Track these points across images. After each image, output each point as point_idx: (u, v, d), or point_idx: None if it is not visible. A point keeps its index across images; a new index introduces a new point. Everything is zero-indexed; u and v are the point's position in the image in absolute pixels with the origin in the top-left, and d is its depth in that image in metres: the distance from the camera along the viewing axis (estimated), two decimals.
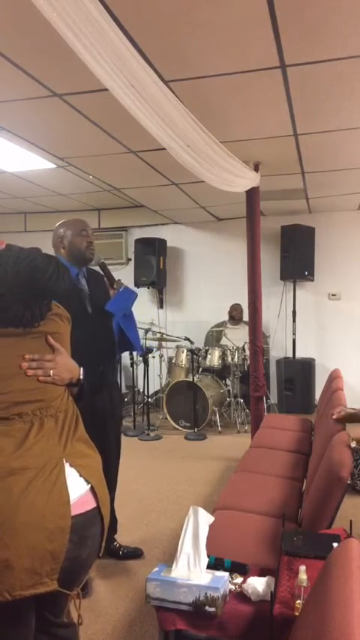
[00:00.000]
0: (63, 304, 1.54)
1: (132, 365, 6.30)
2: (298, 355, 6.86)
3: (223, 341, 6.60)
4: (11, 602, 1.22)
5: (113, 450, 2.75)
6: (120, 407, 2.86)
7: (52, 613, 1.46)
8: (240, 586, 1.74)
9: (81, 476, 1.39)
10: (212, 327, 7.05)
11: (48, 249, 1.48)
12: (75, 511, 1.32)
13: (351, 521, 1.96)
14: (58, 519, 1.28)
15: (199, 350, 6.28)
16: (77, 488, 1.36)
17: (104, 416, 2.63)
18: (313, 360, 6.86)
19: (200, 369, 6.26)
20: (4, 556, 1.21)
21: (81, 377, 1.56)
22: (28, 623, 1.36)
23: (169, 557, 1.95)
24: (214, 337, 6.91)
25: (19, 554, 1.22)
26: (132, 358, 6.29)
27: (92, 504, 1.39)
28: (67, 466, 1.37)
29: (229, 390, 6.31)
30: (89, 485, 1.40)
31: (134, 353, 5.95)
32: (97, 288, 2.65)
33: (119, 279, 2.70)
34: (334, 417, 2.61)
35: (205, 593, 1.62)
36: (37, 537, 1.24)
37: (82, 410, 2.44)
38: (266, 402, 5.70)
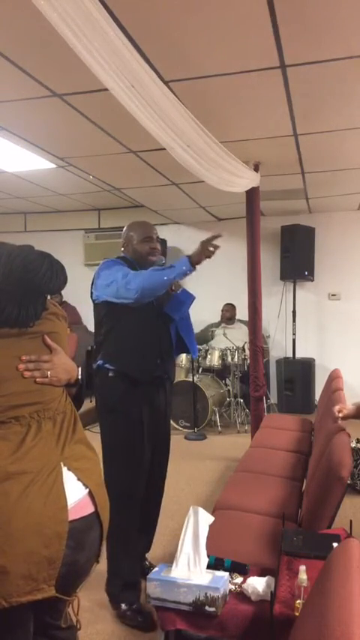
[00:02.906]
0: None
1: None
2: (298, 355, 6.86)
3: (222, 341, 6.58)
4: (8, 608, 1.21)
5: (165, 451, 2.70)
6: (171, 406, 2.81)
7: (51, 617, 1.44)
8: (240, 586, 1.74)
9: (79, 479, 1.36)
10: (209, 327, 7.04)
11: (48, 249, 1.46)
12: (72, 516, 1.30)
13: (351, 521, 1.97)
14: (55, 525, 1.25)
15: (199, 350, 6.28)
16: (75, 493, 1.34)
17: (161, 415, 2.61)
18: (313, 360, 6.86)
19: (200, 369, 6.26)
20: (0, 562, 1.19)
21: (79, 377, 1.53)
22: (26, 629, 1.34)
23: (169, 557, 1.95)
24: (211, 337, 6.90)
25: (15, 560, 1.20)
26: None
27: (90, 509, 1.37)
28: (64, 470, 1.34)
29: (229, 390, 6.30)
30: (87, 490, 1.37)
31: None
32: None
33: (178, 282, 2.67)
34: (340, 415, 2.60)
35: (205, 593, 1.63)
36: (33, 543, 1.22)
37: (142, 407, 2.44)
38: (266, 402, 5.69)
